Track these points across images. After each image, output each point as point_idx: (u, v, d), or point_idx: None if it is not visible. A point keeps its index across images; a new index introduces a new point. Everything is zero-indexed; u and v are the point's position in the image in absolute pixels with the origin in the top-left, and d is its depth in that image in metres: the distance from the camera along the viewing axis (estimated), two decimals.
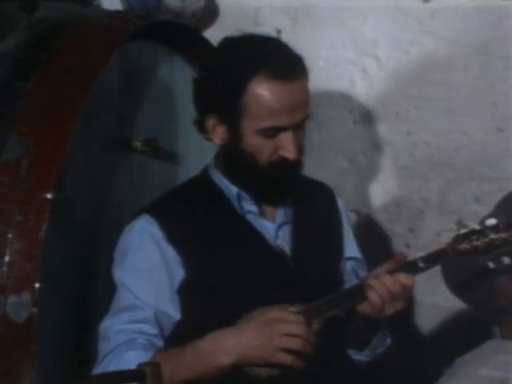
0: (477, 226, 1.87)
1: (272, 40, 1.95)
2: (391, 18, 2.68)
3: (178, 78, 2.42)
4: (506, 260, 1.87)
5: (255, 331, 1.77)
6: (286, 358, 1.76)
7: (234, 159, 1.92)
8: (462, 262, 2.13)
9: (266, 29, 2.71)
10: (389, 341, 2.04)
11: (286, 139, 1.87)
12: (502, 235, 1.84)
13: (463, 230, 1.87)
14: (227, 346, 1.77)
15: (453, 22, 2.62)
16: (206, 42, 2.44)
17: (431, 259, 1.87)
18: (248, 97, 1.85)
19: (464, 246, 1.85)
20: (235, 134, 1.88)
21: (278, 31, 2.74)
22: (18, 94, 1.99)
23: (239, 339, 1.77)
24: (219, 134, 1.91)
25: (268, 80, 1.84)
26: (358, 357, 2.01)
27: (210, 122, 1.91)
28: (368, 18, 2.71)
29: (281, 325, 1.76)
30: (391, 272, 1.83)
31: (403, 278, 1.82)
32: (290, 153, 1.87)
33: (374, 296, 1.81)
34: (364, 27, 2.72)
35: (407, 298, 1.86)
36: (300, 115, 1.88)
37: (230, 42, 1.93)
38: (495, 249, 1.85)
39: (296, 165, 1.91)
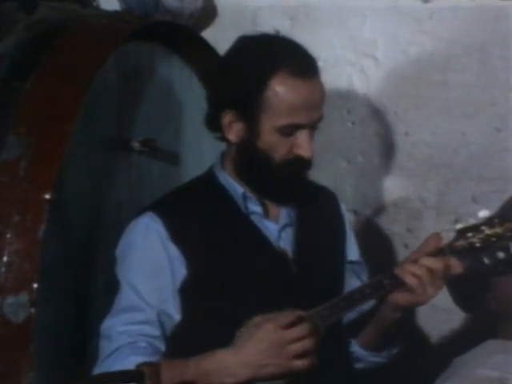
0: (472, 220, 1.86)
1: (289, 39, 1.95)
2: (390, 18, 2.68)
3: (177, 78, 2.42)
4: (501, 255, 1.86)
5: (262, 349, 1.74)
6: (303, 363, 1.75)
7: (248, 157, 1.91)
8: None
9: (265, 29, 2.70)
10: (405, 339, 2.02)
11: (303, 137, 1.87)
12: (497, 230, 1.84)
13: (459, 226, 1.87)
14: (232, 368, 1.75)
15: (451, 22, 2.62)
16: (204, 42, 2.44)
17: None
18: (269, 93, 1.84)
19: (460, 243, 1.85)
20: (252, 131, 1.87)
21: (277, 31, 2.73)
22: (16, 93, 1.99)
23: (245, 359, 1.74)
24: (235, 130, 1.90)
25: (290, 77, 1.84)
26: (375, 359, 2.01)
27: (227, 118, 1.89)
28: (366, 18, 2.71)
29: (284, 332, 1.74)
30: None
31: (452, 262, 1.82)
32: (305, 151, 1.87)
33: (410, 279, 1.79)
34: (362, 27, 2.71)
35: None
36: (317, 114, 1.89)
37: (248, 39, 1.93)
38: (491, 245, 1.84)
39: (309, 164, 1.91)
